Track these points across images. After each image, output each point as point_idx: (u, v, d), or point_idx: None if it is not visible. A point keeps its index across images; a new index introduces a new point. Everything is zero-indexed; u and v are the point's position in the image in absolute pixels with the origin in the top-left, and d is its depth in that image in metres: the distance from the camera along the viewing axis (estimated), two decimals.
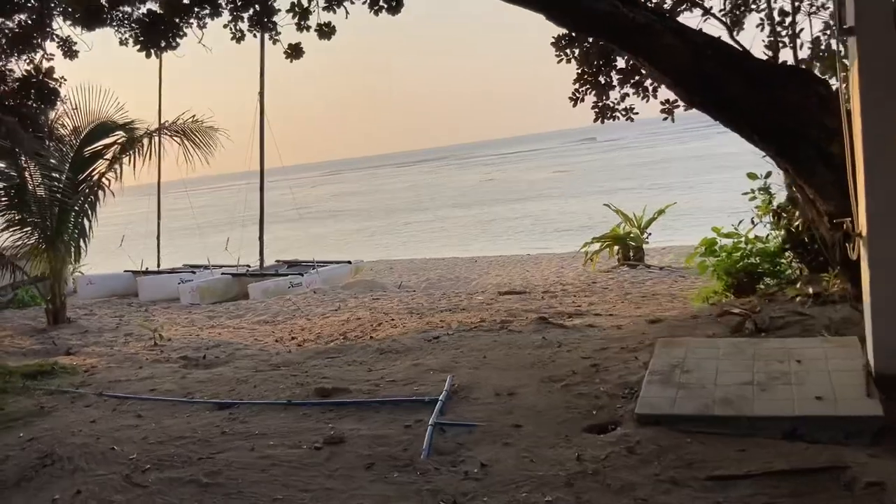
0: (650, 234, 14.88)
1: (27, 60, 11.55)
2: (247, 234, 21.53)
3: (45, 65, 12.13)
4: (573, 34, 8.96)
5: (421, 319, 8.90)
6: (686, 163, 61.01)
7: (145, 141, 13.00)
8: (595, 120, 9.53)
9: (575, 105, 9.60)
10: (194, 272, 18.77)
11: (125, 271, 19.68)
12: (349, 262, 18.94)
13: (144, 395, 6.24)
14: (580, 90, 9.56)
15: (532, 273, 18.08)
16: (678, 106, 9.24)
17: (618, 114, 9.53)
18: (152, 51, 8.65)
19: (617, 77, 9.47)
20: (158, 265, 19.97)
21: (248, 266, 19.49)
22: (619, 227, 14.90)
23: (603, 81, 9.44)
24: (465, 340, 7.00)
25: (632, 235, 14.36)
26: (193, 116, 13.41)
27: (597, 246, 14.82)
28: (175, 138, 13.10)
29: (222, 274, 17.83)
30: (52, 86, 9.19)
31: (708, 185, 43.87)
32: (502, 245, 34.37)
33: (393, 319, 9.17)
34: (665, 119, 9.29)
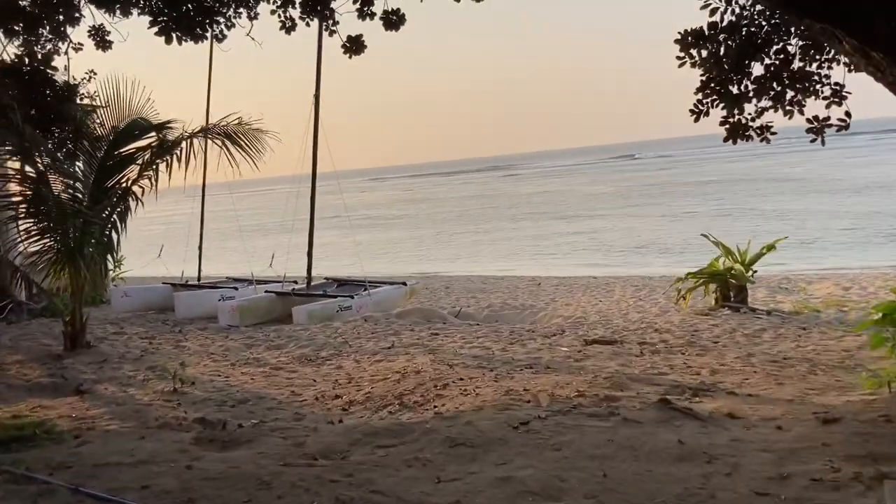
0: (755, 271, 12.82)
1: (52, 49, 10.16)
2: (294, 239, 20.02)
3: (72, 54, 10.84)
4: (708, 31, 7.11)
5: (497, 383, 7.08)
6: (737, 185, 58.87)
7: (184, 144, 11.53)
8: (726, 139, 7.60)
9: (697, 119, 7.68)
10: (236, 288, 17.29)
11: (164, 283, 18.33)
12: (404, 284, 17.22)
13: (130, 499, 4.58)
14: (705, 101, 7.66)
15: (608, 305, 16.16)
16: (830, 125, 7.30)
17: (752, 132, 7.61)
18: (176, 37, 7.01)
19: (752, 87, 7.55)
20: (199, 278, 18.54)
21: (295, 282, 17.93)
22: (717, 261, 12.87)
23: (736, 92, 7.54)
24: (565, 433, 5.18)
25: (733, 272, 12.34)
26: (239, 118, 11.88)
27: (691, 283, 12.83)
28: (217, 141, 11.60)
29: (266, 292, 16.28)
30: (51, 77, 7.63)
31: (771, 207, 41.73)
32: (561, 262, 32.84)
33: (462, 379, 7.37)
34: (813, 141, 7.34)
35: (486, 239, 42.46)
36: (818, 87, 7.37)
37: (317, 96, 16.35)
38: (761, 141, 7.66)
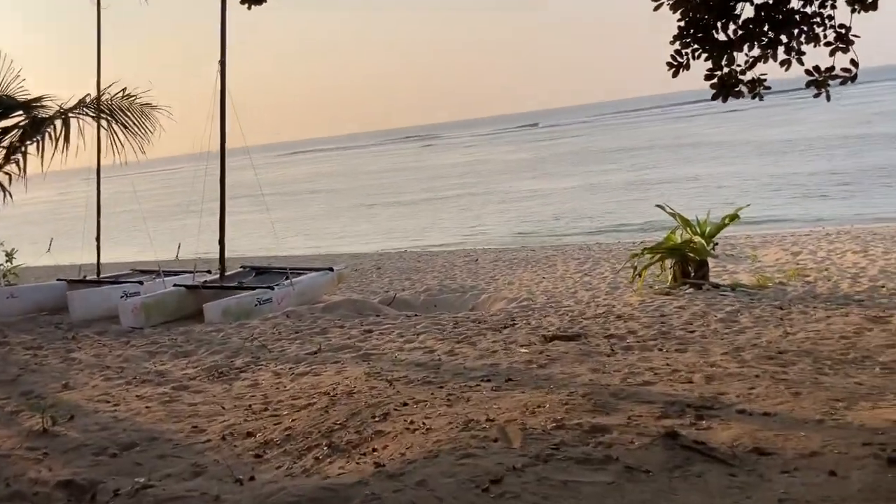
0: (716, 244, 11.74)
1: None
2: (205, 220, 18.24)
3: None
4: None
5: (450, 408, 5.69)
6: (655, 151, 59.56)
7: (58, 123, 9.73)
8: (714, 97, 6.34)
9: (676, 74, 6.40)
10: (141, 282, 15.40)
11: (58, 280, 16.29)
12: (331, 269, 15.62)
13: None
14: (684, 52, 6.38)
15: (553, 283, 14.98)
16: (835, 76, 6.11)
17: (743, 87, 6.36)
18: None
19: (741, 32, 6.28)
20: (98, 272, 16.53)
21: (208, 272, 16.13)
22: (674, 234, 11.75)
23: (723, 39, 6.26)
24: (554, 496, 3.85)
25: (693, 245, 11.23)
26: (124, 90, 10.13)
27: (647, 259, 11.67)
28: (98, 118, 9.84)
29: (174, 286, 14.48)
30: None
31: (693, 171, 41.92)
32: (492, 233, 32.04)
33: (405, 403, 5.94)
34: (816, 96, 6.15)
35: (411, 212, 41.32)
36: (819, 30, 6.17)
37: (222, 63, 14.46)
38: (752, 97, 6.44)
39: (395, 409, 5.79)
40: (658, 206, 12.30)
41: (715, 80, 6.28)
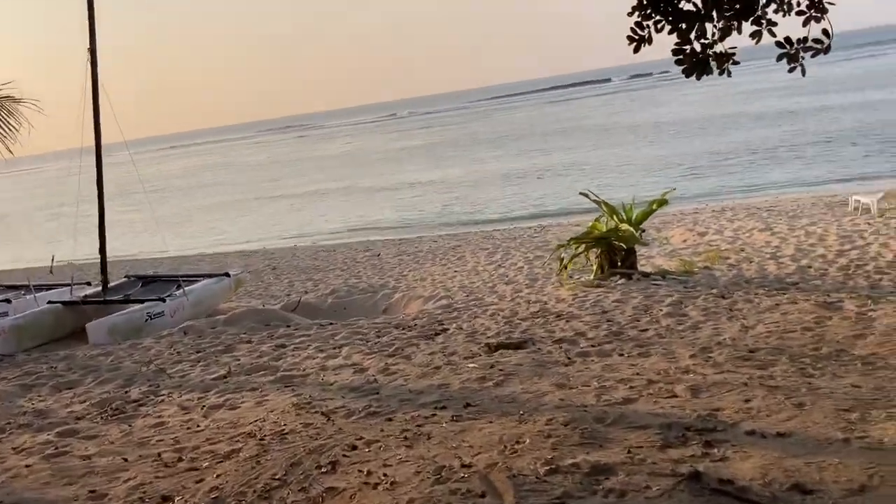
0: (644, 230, 11.30)
1: None
2: (79, 225, 16.65)
3: None
4: None
5: (411, 449, 4.79)
6: (532, 137, 60.41)
7: None
8: (687, 74, 5.65)
9: (637, 49, 5.71)
10: (9, 300, 13.62)
11: None
12: (227, 275, 14.29)
13: None
14: (646, 25, 5.68)
15: (468, 278, 14.26)
16: (809, 48, 5.57)
17: (711, 63, 5.73)
18: None
19: (708, 2, 5.64)
20: None
21: (88, 284, 14.51)
22: (598, 222, 11.22)
23: (691, 10, 5.60)
24: None
25: (621, 233, 10.72)
26: None
27: (571, 250, 11.09)
28: None
29: (49, 302, 12.84)
30: None
31: (575, 157, 42.48)
32: (386, 222, 31.29)
33: (354, 446, 4.98)
34: (791, 70, 5.60)
35: (295, 205, 39.90)
36: None
37: (92, 50, 12.90)
38: (720, 73, 5.82)
39: (344, 455, 4.85)
40: (582, 193, 11.71)
41: (682, 57, 5.63)
